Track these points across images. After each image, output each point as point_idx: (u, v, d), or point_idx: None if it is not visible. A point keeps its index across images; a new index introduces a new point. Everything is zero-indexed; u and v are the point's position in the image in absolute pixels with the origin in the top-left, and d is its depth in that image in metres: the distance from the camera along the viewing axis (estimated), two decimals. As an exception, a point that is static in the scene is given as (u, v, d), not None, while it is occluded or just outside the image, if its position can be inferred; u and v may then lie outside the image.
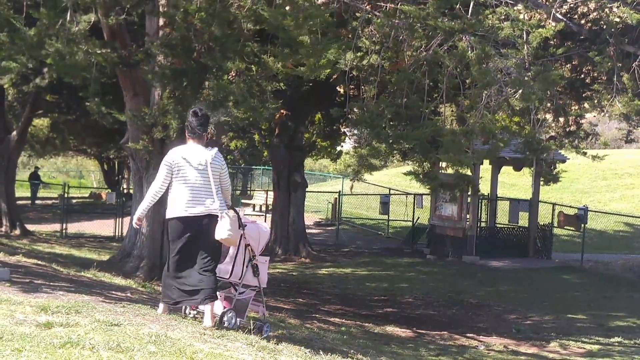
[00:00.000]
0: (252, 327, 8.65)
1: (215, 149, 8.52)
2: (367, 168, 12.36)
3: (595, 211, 30.61)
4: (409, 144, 11.94)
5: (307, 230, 28.76)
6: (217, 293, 8.53)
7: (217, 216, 8.22)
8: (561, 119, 16.94)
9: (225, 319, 8.44)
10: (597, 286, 23.05)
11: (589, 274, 24.85)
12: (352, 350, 10.51)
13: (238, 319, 8.60)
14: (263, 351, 7.70)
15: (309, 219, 33.04)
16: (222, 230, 8.16)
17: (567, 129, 17.05)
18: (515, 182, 38.93)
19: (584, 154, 15.48)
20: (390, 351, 13.29)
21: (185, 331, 8.13)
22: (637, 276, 24.62)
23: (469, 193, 14.19)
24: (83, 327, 7.26)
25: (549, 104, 13.75)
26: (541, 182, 16.91)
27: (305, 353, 8.46)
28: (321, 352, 8.75)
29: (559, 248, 28.41)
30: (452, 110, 15.66)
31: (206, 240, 8.30)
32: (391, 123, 12.14)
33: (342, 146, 35.93)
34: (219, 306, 8.58)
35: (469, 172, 14.49)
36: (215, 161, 8.40)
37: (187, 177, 8.37)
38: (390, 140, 11.89)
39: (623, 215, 32.56)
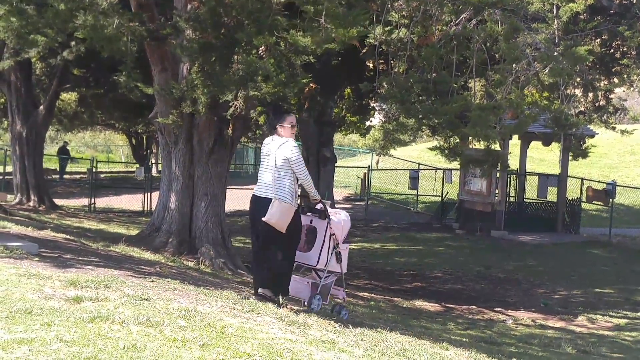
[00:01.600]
0: (331, 310, 9.44)
1: (287, 140, 9.00)
2: (393, 143, 12.33)
3: (623, 186, 30.40)
4: (437, 119, 11.88)
5: (337, 206, 28.81)
6: (304, 279, 9.42)
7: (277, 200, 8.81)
8: (590, 94, 16.81)
9: (313, 304, 9.24)
10: (625, 260, 22.96)
11: (617, 249, 24.74)
12: (380, 325, 10.55)
13: (322, 302, 9.33)
14: (293, 325, 7.76)
15: (338, 194, 33.11)
16: (269, 214, 8.78)
17: (596, 104, 16.92)
18: (544, 157, 38.74)
19: (613, 128, 15.38)
20: (418, 325, 13.33)
21: (215, 306, 8.21)
22: (666, 251, 24.49)
23: (498, 169, 14.14)
24: (112, 302, 7.34)
25: (578, 79, 13.64)
26: (570, 157, 16.79)
27: (335, 327, 8.50)
28: (350, 327, 8.79)
29: (587, 223, 28.30)
30: (482, 86, 15.58)
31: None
32: (420, 98, 12.10)
33: (371, 121, 35.88)
34: (306, 291, 9.36)
35: (497, 148, 14.49)
36: (281, 151, 8.91)
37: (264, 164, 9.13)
38: (420, 116, 11.85)
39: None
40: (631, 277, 20.82)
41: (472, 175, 27.04)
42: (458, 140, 12.90)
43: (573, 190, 28.74)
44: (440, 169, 31.98)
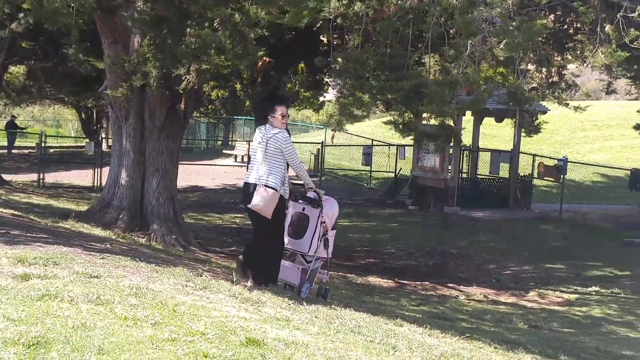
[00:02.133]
0: (317, 294, 9.81)
1: (280, 131, 9.26)
2: (349, 118, 12.22)
3: (574, 162, 30.67)
4: (392, 95, 11.79)
5: (290, 181, 28.62)
6: (294, 265, 9.70)
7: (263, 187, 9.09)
8: (544, 70, 16.82)
9: (303, 290, 9.47)
10: (575, 236, 23.17)
11: (568, 224, 24.96)
12: (335, 301, 10.47)
13: (310, 287, 9.66)
14: (246, 303, 7.65)
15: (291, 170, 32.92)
16: (254, 201, 9.06)
17: (550, 80, 16.96)
18: (496, 134, 38.97)
19: (567, 105, 15.38)
20: (372, 302, 13.30)
21: (167, 283, 8.06)
22: (614, 226, 24.73)
23: (452, 144, 14.14)
24: (61, 279, 7.16)
25: (531, 55, 13.60)
26: (523, 134, 16.83)
27: (289, 305, 8.40)
28: (304, 304, 8.70)
29: (538, 199, 28.51)
30: (436, 61, 15.51)
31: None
32: (375, 73, 11.99)
33: (324, 97, 35.70)
34: (296, 277, 9.62)
35: (451, 123, 14.45)
36: (273, 141, 9.17)
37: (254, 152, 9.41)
38: (374, 91, 11.74)
39: (601, 166, 32.65)
40: (581, 252, 21.03)
41: (425, 152, 27.07)
42: (412, 116, 12.83)
43: (525, 166, 28.91)
44: (394, 145, 31.95)
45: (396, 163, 30.54)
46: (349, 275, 16.88)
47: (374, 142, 33.20)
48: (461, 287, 16.69)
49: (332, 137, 14.67)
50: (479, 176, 28.88)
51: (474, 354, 7.80)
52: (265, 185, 9.08)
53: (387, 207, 27.59)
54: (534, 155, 27.90)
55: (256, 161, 9.30)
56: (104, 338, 5.32)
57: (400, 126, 12.96)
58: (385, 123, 13.65)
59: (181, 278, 8.61)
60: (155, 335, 5.54)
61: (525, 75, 12.68)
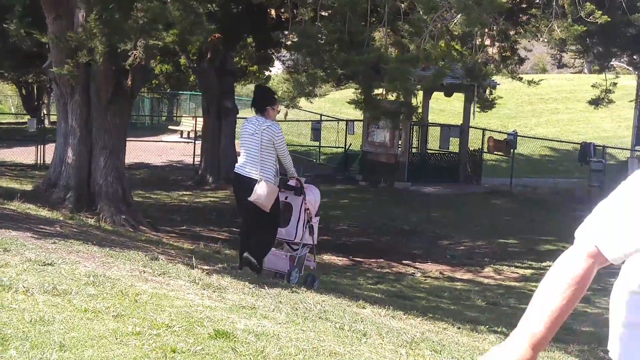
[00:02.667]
0: (305, 281, 9.85)
1: (273, 123, 9.45)
2: (306, 95, 11.97)
3: (523, 136, 30.76)
4: (352, 71, 11.54)
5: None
6: (282, 253, 9.91)
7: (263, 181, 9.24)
8: (496, 44, 16.72)
9: (292, 276, 9.70)
10: (526, 211, 23.22)
11: (518, 199, 25.03)
12: (294, 283, 10.26)
13: (299, 274, 9.88)
14: (208, 289, 7.38)
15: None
16: (255, 195, 9.19)
17: (503, 55, 16.84)
18: (444, 108, 38.94)
19: (520, 79, 15.33)
20: (329, 281, 13.10)
21: (123, 269, 7.76)
22: (564, 200, 24.85)
23: (413, 121, 14.04)
24: (14, 268, 6.82)
25: (486, 30, 13.46)
26: (478, 109, 16.74)
27: (251, 289, 8.16)
28: (266, 287, 8.46)
29: (488, 173, 28.52)
30: (389, 36, 15.27)
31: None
32: (331, 48, 11.71)
33: (270, 71, 35.33)
34: (285, 264, 9.85)
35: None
36: (267, 132, 9.31)
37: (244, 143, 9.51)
38: (334, 66, 11.48)
39: (551, 139, 32.85)
40: (533, 227, 21.07)
41: (375, 127, 26.90)
42: (375, 93, 12.58)
43: (474, 141, 28.91)
44: (343, 120, 31.74)
45: (346, 138, 30.33)
46: (302, 253, 16.63)
47: (323, 117, 32.89)
48: (416, 264, 16.58)
49: (286, 114, 14.37)
50: (429, 151, 28.82)
51: (441, 338, 7.65)
52: (266, 180, 9.24)
53: (337, 183, 27.37)
54: (484, 130, 27.88)
55: (249, 153, 9.37)
56: (65, 333, 5.03)
57: (362, 104, 12.72)
58: (349, 102, 13.41)
59: (138, 263, 8.31)
60: (119, 329, 5.25)
61: (481, 50, 12.51)
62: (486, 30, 13.68)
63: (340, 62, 11.23)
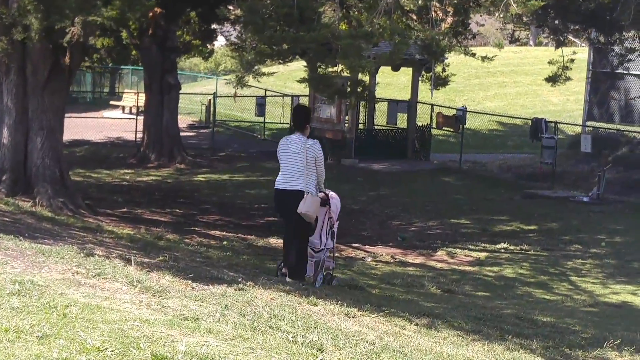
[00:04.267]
0: (323, 281, 10.42)
1: (315, 142, 10.14)
2: (254, 74, 11.34)
3: (472, 112, 30.34)
4: (299, 49, 10.90)
5: (181, 134, 27.50)
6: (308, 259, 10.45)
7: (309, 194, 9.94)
8: (448, 20, 16.16)
9: (317, 280, 10.31)
10: (477, 188, 22.83)
11: (468, 176, 24.63)
12: (240, 275, 9.66)
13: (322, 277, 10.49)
14: (147, 293, 6.75)
15: (182, 121, 31.75)
16: (303, 207, 9.88)
17: (455, 30, 16.30)
18: (390, 82, 38.38)
19: (473, 55, 14.79)
20: (275, 270, 12.53)
21: (55, 271, 7.09)
22: (514, 177, 24.53)
23: (367, 99, 13.58)
24: None
25: (437, 4, 12.88)
26: (427, 85, 16.22)
27: (193, 288, 7.54)
28: (210, 286, 7.84)
29: (436, 149, 28.09)
30: (337, 10, 14.59)
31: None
32: (280, 24, 11.02)
33: (213, 45, 34.45)
34: (310, 269, 10.44)
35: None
36: (311, 150, 9.98)
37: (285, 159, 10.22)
38: (284, 43, 10.82)
39: (499, 115, 32.53)
40: (485, 205, 20.66)
41: (321, 102, 26.29)
42: (329, 70, 11.96)
43: (423, 116, 28.45)
44: (288, 95, 31.05)
45: (291, 114, 29.65)
46: (248, 236, 16.03)
47: (267, 92, 32.12)
48: (367, 247, 16.05)
49: (235, 95, 13.69)
50: (376, 127, 28.30)
51: (401, 343, 7.12)
52: (311, 193, 9.96)
53: (283, 160, 26.71)
54: (432, 105, 27.39)
55: (293, 168, 10.07)
56: (-22, 363, 4.36)
57: (314, 82, 12.06)
58: (299, 81, 12.78)
59: (71, 262, 7.63)
60: (42, 354, 4.60)
61: (438, 26, 11.95)
62: (437, 5, 13.10)
63: (290, 40, 10.60)
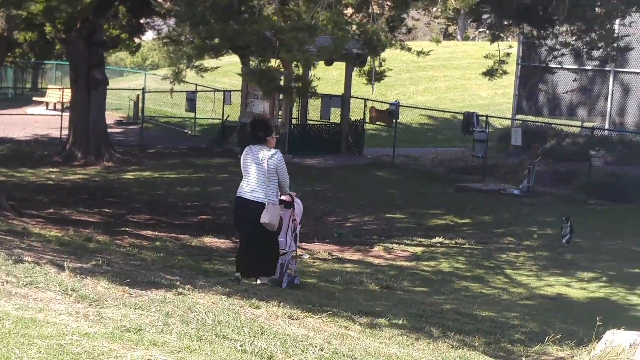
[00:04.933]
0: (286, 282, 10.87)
1: (276, 151, 10.50)
2: (198, 70, 11.02)
3: (406, 106, 30.32)
4: (241, 42, 10.61)
5: (109, 130, 26.91)
6: None
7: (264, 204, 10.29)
8: (384, 15, 16.06)
9: (284, 281, 10.83)
10: (410, 182, 22.82)
11: (401, 170, 24.62)
12: (177, 278, 9.37)
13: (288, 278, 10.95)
14: (83, 302, 6.43)
15: (110, 117, 31.13)
16: (265, 217, 10.25)
17: (391, 24, 16.20)
18: (322, 76, 38.14)
19: (409, 49, 14.70)
20: (213, 270, 12.28)
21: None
22: (447, 170, 24.60)
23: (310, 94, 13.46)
24: None
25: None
26: (365, 82, 16.10)
27: (131, 295, 7.24)
28: (149, 292, 7.55)
29: (368, 143, 27.99)
30: (271, 4, 14.35)
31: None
32: (220, 17, 10.69)
33: (141, 38, 33.82)
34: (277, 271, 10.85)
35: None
36: (272, 160, 10.37)
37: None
38: (224, 37, 10.49)
39: (431, 109, 32.61)
40: (418, 199, 20.65)
41: (254, 97, 26.00)
42: (270, 65, 11.69)
43: (356, 111, 28.35)
44: (220, 90, 30.65)
45: (223, 109, 29.27)
46: (182, 236, 15.70)
47: (198, 87, 31.65)
48: (303, 244, 15.79)
49: (171, 90, 13.35)
50: (310, 122, 28.10)
51: (349, 345, 6.93)
52: (272, 202, 10.32)
53: (215, 157, 26.36)
54: (365, 100, 27.32)
55: (253, 177, 10.46)
56: None
57: (258, 76, 11.77)
58: (241, 74, 12.44)
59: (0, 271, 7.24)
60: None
61: (378, 21, 11.78)
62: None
63: (231, 33, 10.30)
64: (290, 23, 10.70)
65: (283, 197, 10.76)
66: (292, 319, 7.85)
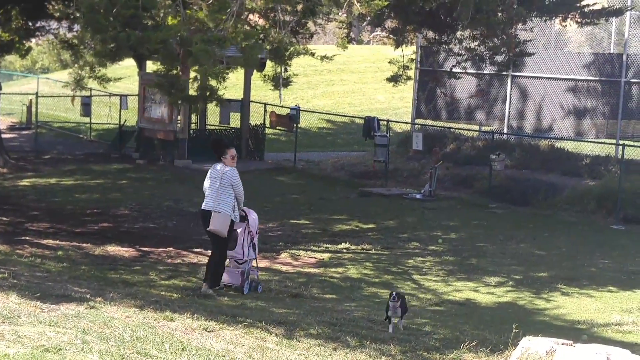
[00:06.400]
0: (249, 288, 12.12)
1: (231, 169, 11.82)
2: (99, 80, 10.72)
3: (306, 110, 30.28)
4: (146, 50, 10.37)
5: (2, 136, 26.07)
6: (234, 270, 12.27)
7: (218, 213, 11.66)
8: (289, 18, 15.96)
9: (245, 287, 12.08)
10: (313, 187, 22.79)
11: (303, 175, 24.59)
12: (85, 290, 9.11)
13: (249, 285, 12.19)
14: (-4, 320, 6.14)
15: (1, 122, 30.23)
16: (212, 224, 11.71)
17: (295, 29, 16.14)
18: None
19: (312, 54, 14.67)
20: (120, 280, 12.02)
21: None
22: (349, 175, 24.67)
23: (217, 104, 13.30)
24: None
25: (288, 7, 12.62)
26: (272, 87, 16.00)
27: (43, 310, 6.98)
28: (61, 306, 7.30)
29: (268, 148, 27.85)
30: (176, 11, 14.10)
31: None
32: (124, 24, 10.43)
33: (31, 41, 32.91)
34: (237, 278, 12.21)
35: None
36: (226, 176, 11.75)
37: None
38: (129, 45, 10.22)
39: (331, 113, 32.68)
40: (322, 205, 20.63)
41: (152, 102, 25.60)
42: (176, 72, 11.44)
43: (256, 116, 28.19)
44: (116, 94, 30.05)
45: (120, 114, 28.71)
46: (84, 244, 15.30)
47: (93, 92, 30.93)
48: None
49: (73, 99, 12.97)
50: (209, 127, 27.82)
51: (269, 358, 6.83)
52: (219, 211, 11.64)
53: (113, 162, 25.85)
54: (265, 104, 27.21)
55: (212, 192, 11.76)
56: None
57: (167, 87, 11.51)
58: (151, 86, 12.18)
59: None
60: None
61: (286, 29, 11.70)
62: (288, 6, 12.82)
63: (137, 41, 10.06)
64: (199, 35, 10.53)
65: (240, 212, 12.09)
66: (209, 332, 7.74)
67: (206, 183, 11.96)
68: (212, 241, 12.05)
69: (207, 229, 11.79)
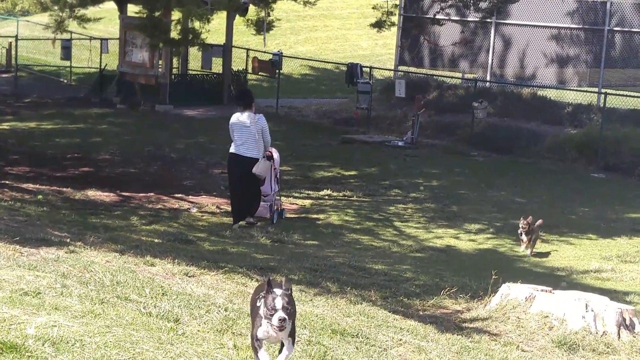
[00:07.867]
0: (277, 216, 13.65)
1: (260, 116, 13.16)
2: (79, 21, 10.56)
3: (288, 56, 30.04)
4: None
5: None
6: (264, 204, 13.46)
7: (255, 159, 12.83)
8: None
9: (274, 218, 13.51)
10: (295, 134, 22.65)
11: (285, 121, 24.44)
12: (65, 235, 9.06)
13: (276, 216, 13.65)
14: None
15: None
16: (258, 170, 12.78)
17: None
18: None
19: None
20: (100, 225, 11.92)
21: None
22: (331, 122, 24.60)
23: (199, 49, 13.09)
24: None
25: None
26: (254, 32, 15.82)
27: (22, 254, 6.93)
28: (40, 250, 7.24)
29: (251, 94, 27.63)
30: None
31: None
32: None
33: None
34: (266, 211, 13.50)
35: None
36: (259, 123, 12.96)
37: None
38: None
39: (313, 59, 32.44)
40: (304, 151, 20.54)
41: (132, 46, 25.34)
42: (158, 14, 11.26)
43: (238, 61, 27.96)
44: (97, 38, 29.69)
45: (100, 58, 28.40)
46: (64, 189, 15.19)
47: (73, 35, 30.52)
48: (190, 197, 15.59)
49: (54, 41, 12.81)
50: (191, 72, 27.58)
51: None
52: (264, 158, 12.85)
53: (93, 107, 25.61)
54: (248, 50, 26.98)
55: (244, 137, 12.84)
56: None
57: (150, 29, 11.33)
58: (135, 28, 12.01)
59: None
60: None
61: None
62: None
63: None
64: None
65: (267, 153, 13.16)
66: (189, 277, 7.71)
67: (240, 129, 12.85)
68: (245, 182, 12.83)
69: (252, 172, 12.65)
